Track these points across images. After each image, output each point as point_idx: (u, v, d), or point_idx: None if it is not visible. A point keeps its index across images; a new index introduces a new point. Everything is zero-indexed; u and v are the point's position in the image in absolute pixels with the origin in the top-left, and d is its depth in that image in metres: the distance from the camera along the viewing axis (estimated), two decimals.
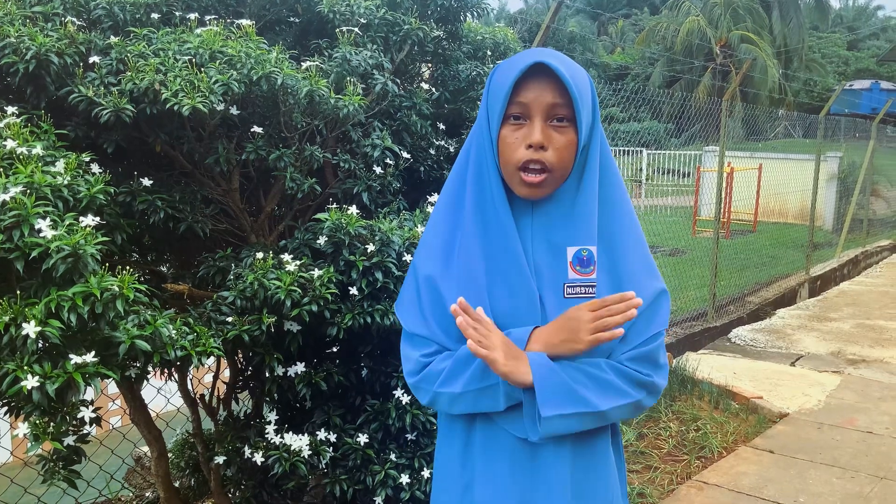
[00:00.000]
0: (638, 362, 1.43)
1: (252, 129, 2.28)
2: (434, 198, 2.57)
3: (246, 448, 2.28)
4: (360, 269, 2.21)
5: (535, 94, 1.33)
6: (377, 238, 2.26)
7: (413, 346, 1.49)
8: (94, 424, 1.94)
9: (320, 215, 2.28)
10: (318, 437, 2.28)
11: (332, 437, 2.31)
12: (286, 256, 2.18)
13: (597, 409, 1.37)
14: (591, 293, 1.39)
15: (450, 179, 1.50)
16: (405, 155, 2.62)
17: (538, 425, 1.36)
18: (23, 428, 1.86)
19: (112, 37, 2.24)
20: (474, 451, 1.48)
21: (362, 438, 2.34)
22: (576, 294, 1.39)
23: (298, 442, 2.22)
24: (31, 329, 1.51)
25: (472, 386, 1.39)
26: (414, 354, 1.48)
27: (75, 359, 1.59)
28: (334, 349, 2.49)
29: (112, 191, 1.93)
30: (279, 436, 2.24)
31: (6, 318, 1.52)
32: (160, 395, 3.28)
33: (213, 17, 2.45)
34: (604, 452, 1.48)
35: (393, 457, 2.37)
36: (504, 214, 1.39)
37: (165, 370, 2.24)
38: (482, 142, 1.41)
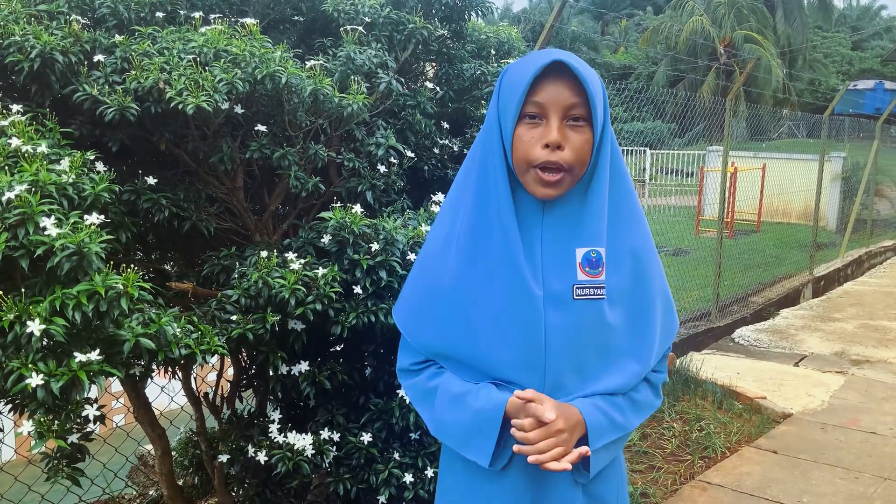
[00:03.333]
0: (660, 362, 1.52)
1: (256, 128, 2.28)
2: (438, 197, 2.57)
3: (249, 446, 2.28)
4: (365, 267, 2.21)
5: (552, 94, 1.32)
6: (381, 237, 2.26)
7: (404, 350, 1.56)
8: (98, 422, 1.95)
9: (324, 214, 2.28)
10: (322, 436, 2.28)
11: (336, 436, 2.31)
12: (290, 255, 2.18)
13: (631, 428, 1.46)
14: (600, 294, 1.38)
15: (456, 180, 1.49)
16: (409, 154, 2.62)
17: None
18: (27, 426, 1.87)
19: (117, 35, 2.24)
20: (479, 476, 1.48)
21: (366, 437, 2.34)
22: (585, 296, 1.37)
23: (302, 441, 2.22)
24: (35, 327, 1.51)
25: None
26: (405, 362, 1.54)
27: (80, 357, 1.59)
28: (338, 348, 2.49)
29: (117, 189, 1.93)
30: (283, 434, 2.24)
31: (11, 316, 1.52)
32: (164, 393, 3.28)
33: (218, 15, 2.45)
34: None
35: (396, 456, 2.37)
36: (507, 213, 1.36)
37: (169, 368, 2.24)
38: (490, 141, 1.39)
